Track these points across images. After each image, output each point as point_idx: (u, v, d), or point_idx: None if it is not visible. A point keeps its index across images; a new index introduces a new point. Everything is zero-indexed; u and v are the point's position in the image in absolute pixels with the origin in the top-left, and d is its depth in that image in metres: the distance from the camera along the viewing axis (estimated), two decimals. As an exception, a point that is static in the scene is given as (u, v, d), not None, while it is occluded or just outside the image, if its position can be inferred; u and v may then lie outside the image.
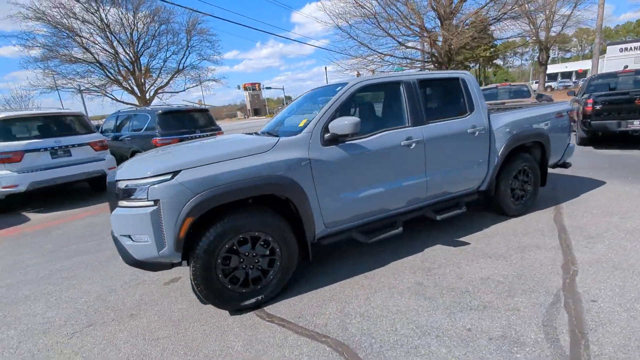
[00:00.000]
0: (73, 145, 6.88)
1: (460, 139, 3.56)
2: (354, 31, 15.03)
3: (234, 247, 2.62)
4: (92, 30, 14.25)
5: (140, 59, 16.30)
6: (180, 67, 18.48)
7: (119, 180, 2.57)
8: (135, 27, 15.70)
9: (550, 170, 4.55)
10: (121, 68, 15.65)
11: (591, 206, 4.22)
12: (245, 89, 54.72)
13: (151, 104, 17.46)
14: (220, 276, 2.60)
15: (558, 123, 4.31)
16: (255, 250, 2.71)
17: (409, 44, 14.56)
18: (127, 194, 2.51)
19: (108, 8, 14.58)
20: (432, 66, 15.81)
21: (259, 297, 2.73)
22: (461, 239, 3.63)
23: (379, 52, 14.86)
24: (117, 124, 9.40)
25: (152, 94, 17.29)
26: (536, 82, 37.31)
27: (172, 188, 2.41)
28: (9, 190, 6.14)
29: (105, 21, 14.50)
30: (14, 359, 2.41)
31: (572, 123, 4.53)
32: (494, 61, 53.56)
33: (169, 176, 2.44)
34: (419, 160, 3.33)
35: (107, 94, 16.67)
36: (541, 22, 29.46)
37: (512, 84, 9.88)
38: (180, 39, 18.02)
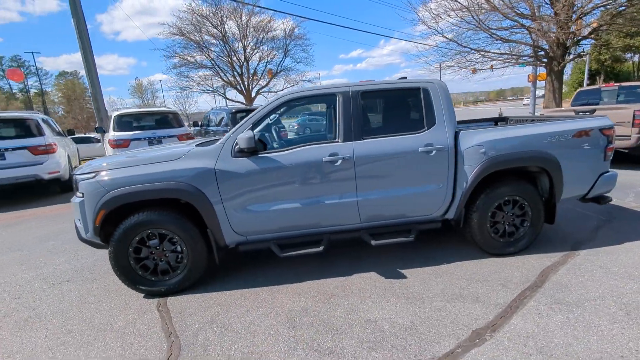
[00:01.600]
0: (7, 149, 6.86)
1: (408, 159, 3.05)
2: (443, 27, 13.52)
3: (144, 240, 2.96)
4: (213, 41, 16.98)
5: (249, 63, 18.51)
6: (279, 69, 20.09)
7: (75, 174, 3.18)
8: (246, 36, 17.82)
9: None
10: (235, 73, 18.09)
11: (617, 263, 3.03)
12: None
13: (253, 103, 19.65)
14: (132, 262, 2.97)
15: (578, 144, 3.21)
16: (163, 246, 2.98)
17: (509, 37, 12.20)
18: (75, 186, 3.10)
19: (226, 21, 17.02)
20: (539, 62, 12.91)
21: (163, 288, 3.01)
22: (403, 271, 3.15)
23: (471, 49, 12.90)
24: (208, 120, 10.98)
25: (254, 94, 19.35)
26: None
27: (91, 185, 2.88)
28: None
29: (223, 33, 16.93)
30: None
31: (610, 144, 3.26)
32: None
33: (92, 175, 2.92)
34: (347, 179, 3.02)
35: (222, 95, 19.57)
36: None
37: (623, 84, 7.36)
38: (280, 45, 19.62)
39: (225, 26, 16.48)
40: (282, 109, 3.13)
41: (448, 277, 2.99)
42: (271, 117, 3.13)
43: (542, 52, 12.48)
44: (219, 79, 17.15)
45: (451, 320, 2.41)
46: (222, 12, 16.18)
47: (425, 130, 3.09)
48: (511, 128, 3.28)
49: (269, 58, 18.99)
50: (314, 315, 2.59)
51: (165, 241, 2.97)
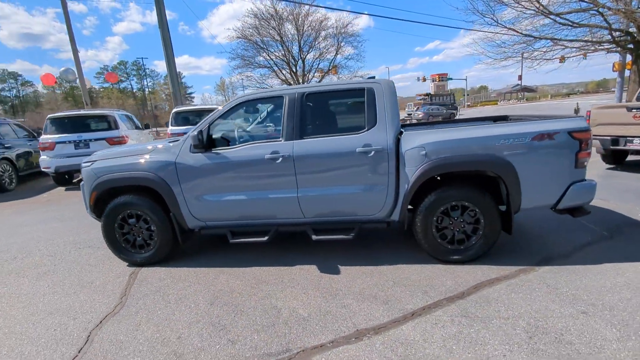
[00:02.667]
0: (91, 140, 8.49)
1: (345, 158, 3.08)
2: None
3: (125, 218, 3.55)
4: (271, 42, 17.84)
5: (304, 61, 18.94)
6: (331, 66, 20.02)
7: (81, 163, 3.91)
8: (302, 35, 18.21)
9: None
10: (291, 71, 18.71)
11: (573, 284, 2.63)
12: (433, 79, 52.37)
13: None
14: (117, 235, 3.59)
15: (540, 149, 2.83)
16: (140, 225, 3.54)
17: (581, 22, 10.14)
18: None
19: (283, 23, 17.74)
20: (621, 48, 10.52)
21: (138, 259, 3.58)
22: (341, 267, 3.22)
23: (539, 37, 11.07)
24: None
25: None
26: None
27: (88, 171, 3.56)
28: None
29: (282, 33, 17.68)
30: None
31: (583, 150, 2.76)
32: None
33: (89, 164, 3.60)
34: (288, 176, 3.18)
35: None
36: None
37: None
38: (333, 42, 19.55)
39: (284, 27, 17.27)
40: (237, 110, 3.41)
41: (377, 278, 2.98)
42: (230, 116, 3.44)
43: (626, 37, 10.30)
44: (276, 77, 18.10)
45: (344, 318, 2.46)
46: (282, 13, 17.05)
47: (365, 131, 3.08)
48: (459, 129, 3.03)
49: (324, 56, 19.33)
50: (234, 296, 2.86)
51: (141, 220, 3.53)
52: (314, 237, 3.22)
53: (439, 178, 3.12)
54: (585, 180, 2.93)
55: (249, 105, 3.47)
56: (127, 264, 3.67)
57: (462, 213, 3.03)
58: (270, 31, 16.54)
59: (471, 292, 2.66)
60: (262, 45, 16.14)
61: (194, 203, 3.39)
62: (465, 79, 59.86)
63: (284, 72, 17.45)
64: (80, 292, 3.14)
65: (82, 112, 9.28)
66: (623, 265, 2.86)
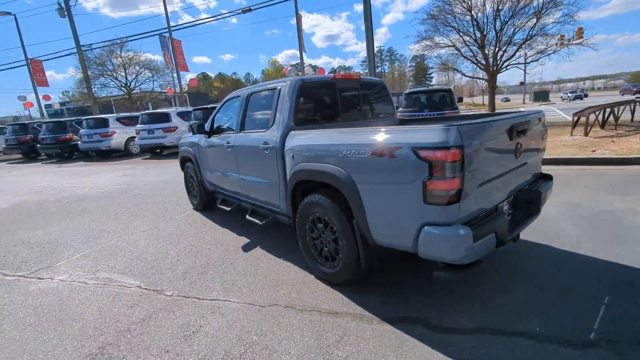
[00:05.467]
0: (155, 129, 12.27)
1: (254, 153, 3.29)
2: None
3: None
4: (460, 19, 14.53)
5: (499, 34, 14.18)
6: (528, 36, 13.79)
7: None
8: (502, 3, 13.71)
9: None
10: (479, 47, 14.74)
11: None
12: None
13: (496, 78, 15.50)
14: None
15: (381, 168, 1.99)
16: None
17: None
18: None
19: None
20: None
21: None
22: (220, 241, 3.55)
23: None
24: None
25: (497, 67, 14.69)
26: None
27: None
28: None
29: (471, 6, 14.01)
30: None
31: (435, 177, 1.58)
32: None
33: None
34: (233, 161, 3.76)
35: (458, 71, 16.78)
36: None
37: None
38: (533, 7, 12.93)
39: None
40: (224, 106, 4.20)
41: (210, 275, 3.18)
42: (222, 110, 4.28)
43: None
44: (459, 55, 15.15)
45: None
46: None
47: (268, 129, 3.16)
48: (317, 133, 2.53)
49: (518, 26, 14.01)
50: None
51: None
52: (247, 216, 3.70)
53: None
54: (447, 224, 1.84)
55: (229, 103, 4.15)
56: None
57: (325, 227, 2.64)
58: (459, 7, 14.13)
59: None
60: (449, 24, 14.19)
61: (205, 174, 4.60)
62: None
63: (470, 47, 14.61)
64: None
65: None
66: None
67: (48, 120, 16.87)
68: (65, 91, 52.13)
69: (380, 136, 2.09)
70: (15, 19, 21.60)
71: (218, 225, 4.42)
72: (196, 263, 3.31)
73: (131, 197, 6.34)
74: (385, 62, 79.44)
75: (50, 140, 14.30)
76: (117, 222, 4.86)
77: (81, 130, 13.77)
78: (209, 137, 4.31)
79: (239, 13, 18.36)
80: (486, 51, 15.30)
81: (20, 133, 15.81)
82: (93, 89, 22.93)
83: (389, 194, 2.07)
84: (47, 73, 23.58)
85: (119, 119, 13.85)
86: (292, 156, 2.79)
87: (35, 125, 16.15)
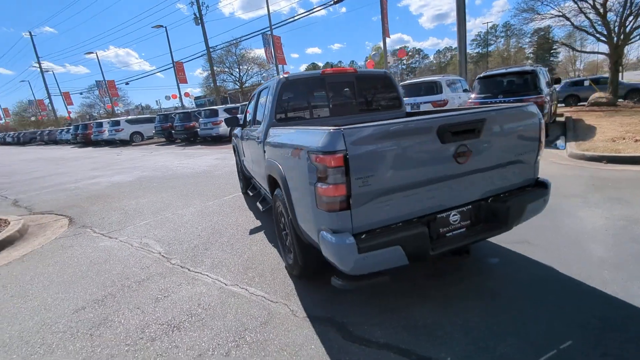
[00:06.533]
0: None
1: (254, 146, 3.52)
2: None
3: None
4: None
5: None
6: None
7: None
8: None
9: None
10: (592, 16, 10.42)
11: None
12: None
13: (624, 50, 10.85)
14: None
15: (294, 167, 1.93)
16: (240, 169, 5.80)
17: None
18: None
19: None
20: None
21: (239, 188, 5.91)
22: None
23: None
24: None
25: (625, 37, 9.91)
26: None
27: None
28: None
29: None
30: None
31: (321, 181, 1.40)
32: None
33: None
34: (248, 151, 4.11)
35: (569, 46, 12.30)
36: None
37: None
38: None
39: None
40: (250, 101, 4.51)
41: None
42: (249, 105, 4.61)
43: None
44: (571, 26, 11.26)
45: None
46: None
47: (261, 124, 3.32)
48: (282, 130, 2.53)
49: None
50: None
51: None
52: (257, 203, 4.03)
53: None
54: (338, 231, 1.70)
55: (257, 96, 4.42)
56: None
57: (287, 220, 2.72)
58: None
59: (236, 285, 2.73)
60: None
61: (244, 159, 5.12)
62: None
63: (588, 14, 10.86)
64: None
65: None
66: None
67: (179, 111, 20.73)
68: (199, 86, 62.01)
69: (298, 136, 2.06)
70: (166, 30, 26.74)
71: (247, 208, 4.90)
72: (209, 240, 3.83)
73: (208, 178, 7.45)
74: (501, 39, 68.45)
75: (180, 128, 17.56)
76: (183, 199, 5.85)
77: (200, 119, 16.47)
78: (242, 128, 4.76)
79: (330, 4, 18.45)
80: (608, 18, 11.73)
81: (163, 122, 19.87)
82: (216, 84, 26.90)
83: (303, 194, 2.05)
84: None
85: (226, 110, 15.99)
86: (264, 151, 2.94)
87: (173, 115, 20.02)
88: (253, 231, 3.96)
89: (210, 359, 1.97)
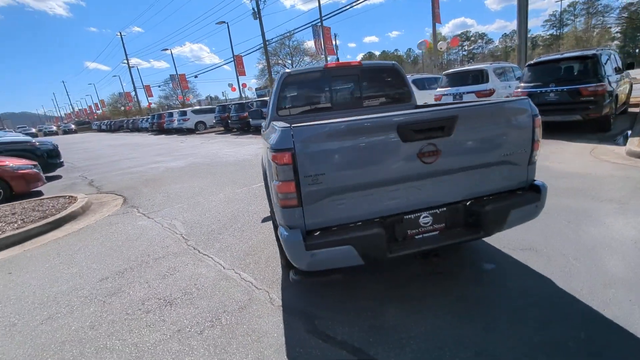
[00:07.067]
0: None
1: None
2: None
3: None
4: None
5: None
6: None
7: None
8: None
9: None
10: None
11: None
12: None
13: None
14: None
15: (268, 162, 1.96)
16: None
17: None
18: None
19: None
20: None
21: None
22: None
23: None
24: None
25: None
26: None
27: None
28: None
29: None
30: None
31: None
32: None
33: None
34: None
35: None
36: None
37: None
38: None
39: None
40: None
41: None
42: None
43: None
44: None
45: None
46: None
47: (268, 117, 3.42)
48: (274, 124, 2.54)
49: None
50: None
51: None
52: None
53: None
54: (292, 227, 1.71)
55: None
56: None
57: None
58: None
59: (232, 270, 2.91)
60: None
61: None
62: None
63: None
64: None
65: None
66: None
67: (234, 102, 21.89)
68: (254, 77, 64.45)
69: (268, 133, 2.11)
70: (228, 26, 28.19)
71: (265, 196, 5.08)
72: (225, 225, 4.09)
73: (245, 167, 7.85)
74: (580, 17, 59.13)
75: (235, 118, 18.60)
76: (217, 185, 6.27)
77: (251, 109, 17.24)
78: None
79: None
80: None
81: (222, 112, 21.20)
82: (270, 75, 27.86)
83: (271, 190, 2.10)
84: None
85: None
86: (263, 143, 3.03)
87: (229, 105, 21.25)
88: (265, 219, 4.13)
89: (187, 335, 2.17)
